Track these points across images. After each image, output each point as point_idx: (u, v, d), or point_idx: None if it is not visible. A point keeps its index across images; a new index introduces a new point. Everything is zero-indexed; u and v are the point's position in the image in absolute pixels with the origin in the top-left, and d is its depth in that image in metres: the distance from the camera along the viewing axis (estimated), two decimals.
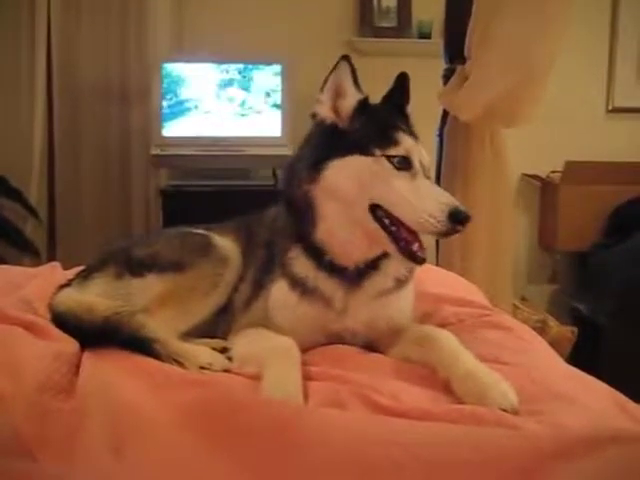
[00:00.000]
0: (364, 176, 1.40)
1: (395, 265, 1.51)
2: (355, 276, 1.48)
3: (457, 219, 1.33)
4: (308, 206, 1.45)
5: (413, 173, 1.41)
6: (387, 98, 1.56)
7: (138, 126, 3.98)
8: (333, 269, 1.47)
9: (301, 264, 1.49)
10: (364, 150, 1.41)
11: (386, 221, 1.39)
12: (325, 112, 1.49)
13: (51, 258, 3.67)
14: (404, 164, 1.41)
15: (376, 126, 1.46)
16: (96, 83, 4.00)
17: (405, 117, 1.55)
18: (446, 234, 1.36)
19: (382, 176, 1.39)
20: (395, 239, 1.39)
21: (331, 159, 1.41)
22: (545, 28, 2.61)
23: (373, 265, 1.49)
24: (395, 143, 1.42)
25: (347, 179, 1.40)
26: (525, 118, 2.90)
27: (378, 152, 1.40)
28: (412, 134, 1.48)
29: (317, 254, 1.47)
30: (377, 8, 4.14)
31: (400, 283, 1.54)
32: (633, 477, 0.78)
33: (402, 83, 1.58)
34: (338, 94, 1.49)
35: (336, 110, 1.48)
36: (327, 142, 1.46)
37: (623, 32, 4.36)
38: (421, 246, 1.39)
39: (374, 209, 1.40)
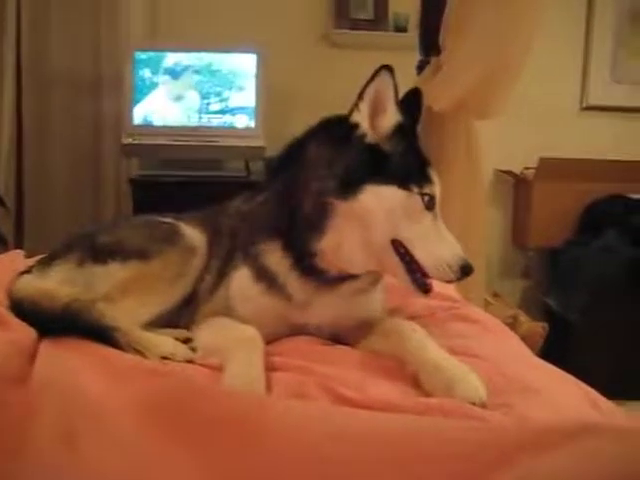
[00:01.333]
0: (397, 210, 1.36)
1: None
2: (331, 279, 1.45)
3: (465, 272, 1.36)
4: (321, 215, 1.38)
5: (435, 213, 1.40)
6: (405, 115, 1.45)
7: (109, 115, 3.92)
8: (312, 272, 1.43)
9: (274, 259, 1.45)
10: (403, 183, 1.36)
11: (402, 250, 1.38)
12: (366, 126, 1.39)
13: (19, 247, 3.59)
14: (431, 204, 1.39)
15: (414, 157, 1.43)
16: (67, 71, 3.93)
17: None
18: (451, 282, 1.40)
19: (413, 213, 1.37)
20: (411, 270, 1.38)
21: (368, 182, 1.35)
22: (519, 19, 2.62)
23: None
24: (430, 181, 1.40)
25: (379, 209, 1.35)
26: (497, 110, 2.91)
27: (415, 189, 1.37)
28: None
29: (299, 255, 1.42)
30: (353, 0, 4.11)
31: (373, 282, 1.52)
32: (603, 470, 0.76)
33: (416, 100, 1.56)
34: (377, 108, 1.40)
35: (374, 125, 1.40)
36: (365, 161, 1.37)
37: (598, 29, 4.38)
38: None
39: (394, 242, 1.37)
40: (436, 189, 1.41)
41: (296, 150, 1.48)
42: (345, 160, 1.38)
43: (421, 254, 1.36)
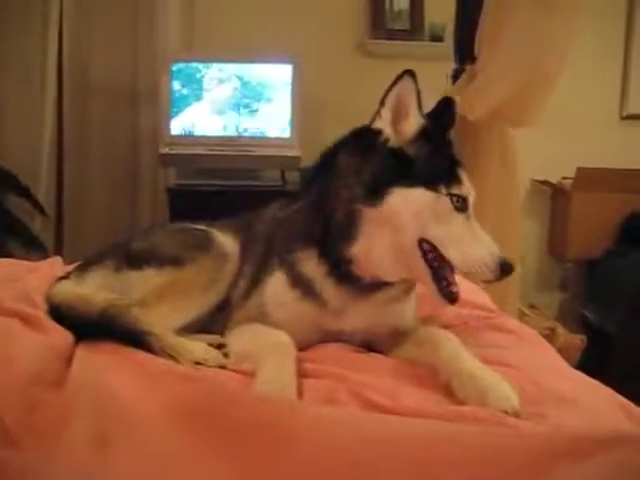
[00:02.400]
0: (425, 211, 1.35)
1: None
2: (366, 287, 1.44)
3: (505, 270, 1.34)
4: (352, 222, 1.38)
5: (468, 215, 1.39)
6: (434, 122, 1.46)
7: (147, 125, 3.98)
8: (348, 279, 1.43)
9: (311, 266, 1.45)
10: (430, 185, 1.36)
11: (430, 256, 1.36)
12: (389, 131, 1.40)
13: (58, 254, 3.65)
14: (462, 205, 1.38)
15: (442, 159, 1.42)
16: (106, 81, 4.00)
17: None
18: (490, 282, 1.37)
19: (441, 214, 1.36)
20: (437, 278, 1.37)
21: (394, 185, 1.35)
22: (555, 27, 2.59)
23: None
24: (459, 182, 1.39)
25: (407, 211, 1.35)
26: (533, 119, 2.88)
27: (444, 190, 1.36)
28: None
29: (335, 263, 1.42)
30: (389, 10, 4.12)
31: (407, 290, 1.51)
32: None
33: (449, 109, 1.53)
34: (400, 113, 1.40)
35: (397, 130, 1.41)
36: (390, 165, 1.38)
37: (638, 38, 4.33)
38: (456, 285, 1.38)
39: (421, 243, 1.36)
40: (467, 190, 1.40)
41: (328, 160, 1.49)
42: (371, 166, 1.39)
43: (454, 254, 1.35)
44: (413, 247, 1.36)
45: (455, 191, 1.37)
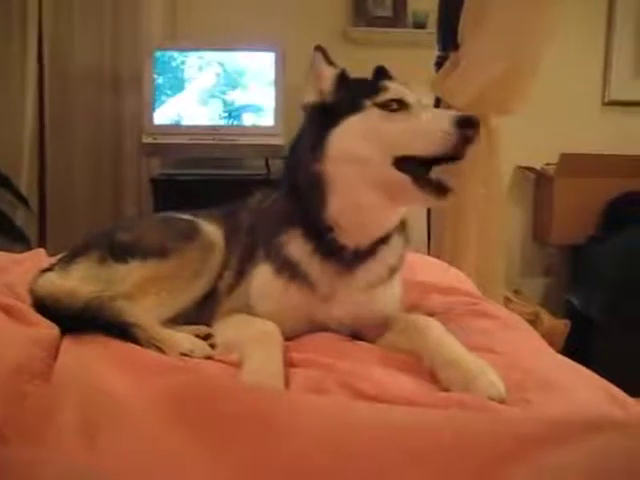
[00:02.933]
0: (366, 132, 1.37)
1: (391, 252, 1.49)
2: (351, 260, 1.45)
3: (465, 124, 1.28)
4: (318, 185, 1.41)
5: (411, 110, 1.39)
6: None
7: (130, 114, 3.95)
8: (331, 251, 1.44)
9: (296, 247, 1.46)
10: (355, 108, 1.40)
11: (403, 166, 1.35)
12: (311, 97, 1.48)
13: (41, 247, 3.62)
14: (400, 105, 1.39)
15: (361, 85, 1.47)
16: (88, 70, 3.96)
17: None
18: (462, 145, 1.29)
19: (381, 124, 1.37)
20: (420, 182, 1.34)
21: (331, 132, 1.39)
22: (537, 14, 2.60)
23: (372, 250, 1.46)
24: (382, 89, 1.41)
25: (350, 143, 1.38)
26: (515, 107, 2.88)
27: (368, 103, 1.39)
28: (395, 80, 1.46)
29: (318, 235, 1.44)
30: None
31: (390, 273, 1.51)
32: (619, 465, 0.76)
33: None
34: (317, 79, 1.49)
35: (321, 93, 1.48)
36: (321, 120, 1.44)
37: (620, 24, 4.34)
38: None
39: (399, 163, 1.36)
40: (399, 92, 1.40)
41: (294, 146, 1.55)
42: (310, 130, 1.47)
43: (414, 146, 1.34)
44: (388, 168, 1.36)
45: (381, 99, 1.39)
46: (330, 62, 1.51)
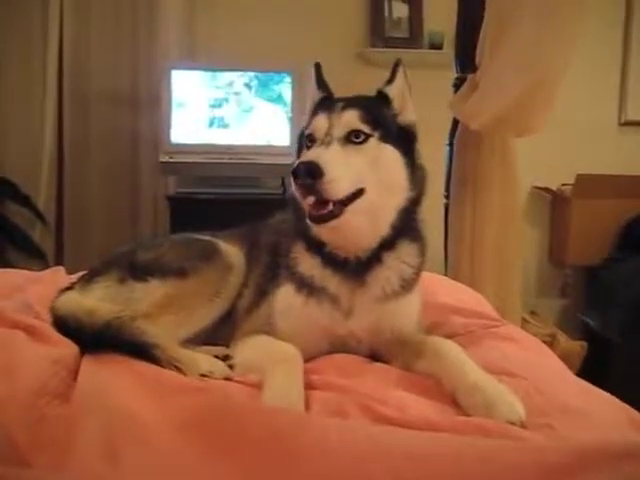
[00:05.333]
0: None
1: (401, 260, 1.49)
2: (358, 269, 1.46)
3: (295, 174, 1.30)
4: (295, 207, 1.47)
5: (318, 144, 1.41)
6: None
7: (147, 133, 3.97)
8: (336, 262, 1.45)
9: (306, 262, 1.49)
10: (303, 140, 1.48)
11: None
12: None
13: (58, 263, 3.63)
14: (310, 142, 1.44)
15: (311, 116, 1.51)
16: (106, 89, 4.00)
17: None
18: (302, 194, 1.32)
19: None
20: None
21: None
22: (558, 34, 2.58)
23: (376, 258, 1.47)
24: (309, 124, 1.47)
25: None
26: (535, 127, 2.87)
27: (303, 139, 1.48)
28: (335, 108, 1.45)
29: (318, 248, 1.46)
30: (388, 18, 4.13)
31: (406, 285, 1.50)
32: None
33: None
34: (308, 101, 1.57)
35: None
36: (298, 145, 1.55)
37: (636, 44, 4.33)
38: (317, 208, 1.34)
39: None
40: (315, 124, 1.45)
41: None
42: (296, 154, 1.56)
43: None
44: None
45: (307, 133, 1.47)
46: (321, 83, 1.56)
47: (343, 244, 1.45)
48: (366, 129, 1.40)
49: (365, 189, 1.38)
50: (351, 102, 1.47)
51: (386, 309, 1.49)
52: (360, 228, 1.42)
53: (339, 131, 1.40)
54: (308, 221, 1.36)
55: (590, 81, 4.14)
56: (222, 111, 3.74)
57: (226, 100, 3.74)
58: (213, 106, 3.73)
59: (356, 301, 1.47)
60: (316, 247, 1.47)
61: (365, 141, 1.40)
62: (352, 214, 1.37)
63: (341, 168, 1.32)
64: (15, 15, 3.92)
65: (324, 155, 1.32)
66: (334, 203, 1.33)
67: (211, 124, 3.74)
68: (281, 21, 4.02)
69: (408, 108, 1.52)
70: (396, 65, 1.55)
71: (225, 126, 3.74)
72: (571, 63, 2.72)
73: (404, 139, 1.48)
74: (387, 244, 1.46)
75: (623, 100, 4.40)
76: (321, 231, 1.42)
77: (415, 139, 1.52)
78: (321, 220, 1.34)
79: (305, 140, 1.46)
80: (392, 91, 1.52)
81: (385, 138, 1.42)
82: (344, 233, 1.42)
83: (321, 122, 1.43)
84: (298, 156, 1.50)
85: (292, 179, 1.31)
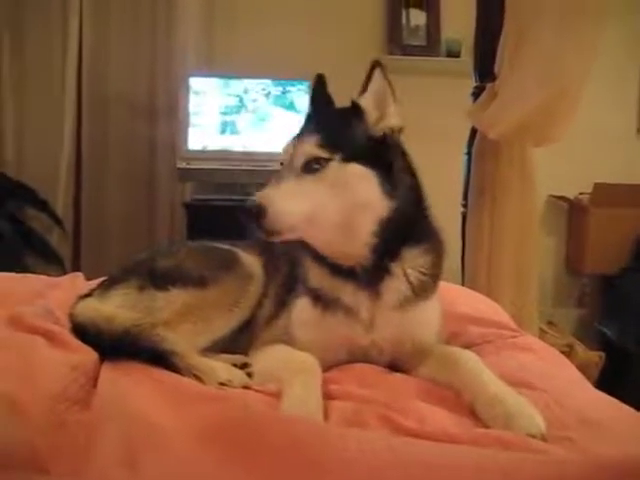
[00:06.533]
0: None
1: (407, 270, 1.47)
2: (371, 279, 1.44)
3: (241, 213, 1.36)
4: None
5: (279, 175, 1.42)
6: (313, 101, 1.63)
7: (164, 139, 4.00)
8: (343, 271, 1.45)
9: (315, 273, 1.48)
10: None
11: None
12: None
13: (75, 269, 3.68)
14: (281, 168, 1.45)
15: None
16: (124, 96, 4.03)
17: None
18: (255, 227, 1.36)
19: None
20: None
21: None
22: (578, 44, 2.57)
23: (385, 270, 1.45)
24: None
25: None
26: (555, 136, 2.86)
27: None
28: (301, 133, 1.47)
29: (322, 258, 1.46)
30: (406, 26, 4.13)
31: (421, 292, 1.49)
32: None
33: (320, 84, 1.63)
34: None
35: None
36: None
37: None
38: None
39: None
40: (286, 152, 1.46)
41: None
42: None
43: None
44: None
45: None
46: (317, 95, 1.61)
47: (332, 253, 1.45)
48: (324, 154, 1.39)
49: (324, 211, 1.38)
50: (315, 125, 1.48)
51: (405, 318, 1.47)
52: (339, 241, 1.42)
53: (297, 161, 1.41)
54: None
55: (608, 90, 4.12)
56: (239, 118, 3.76)
57: (243, 107, 3.75)
58: (230, 113, 3.75)
59: (376, 312, 1.46)
60: (319, 257, 1.47)
61: (324, 167, 1.38)
62: (316, 231, 1.40)
63: (287, 202, 1.35)
64: (34, 20, 3.96)
65: (269, 194, 1.36)
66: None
67: (227, 131, 3.76)
68: (299, 29, 4.03)
69: (389, 113, 1.47)
70: (372, 68, 1.49)
71: (241, 133, 3.76)
72: (590, 73, 2.71)
73: (379, 150, 1.44)
74: (388, 253, 1.44)
75: None
76: (308, 242, 1.44)
77: (397, 146, 1.48)
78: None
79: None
80: (365, 100, 1.47)
81: (349, 157, 1.39)
82: (322, 245, 1.44)
83: (286, 149, 1.46)
84: None
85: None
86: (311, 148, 1.40)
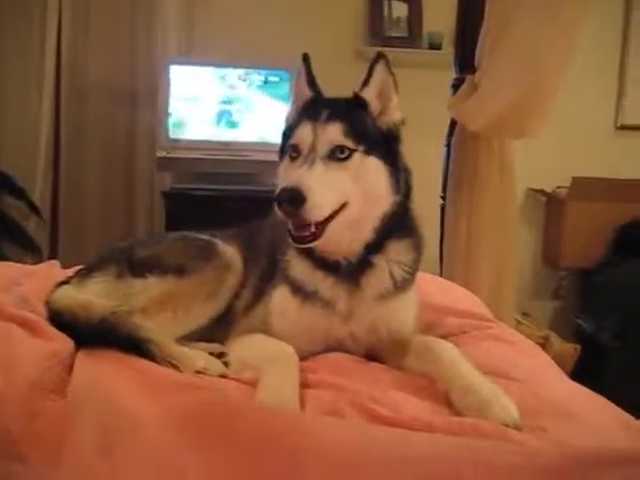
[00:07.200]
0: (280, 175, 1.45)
1: (390, 262, 1.48)
2: (351, 273, 1.45)
3: (278, 198, 1.27)
4: None
5: (302, 159, 1.37)
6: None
7: (144, 128, 3.97)
8: (327, 265, 1.45)
9: (298, 266, 1.48)
10: (287, 145, 1.45)
11: None
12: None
13: (53, 257, 3.64)
14: (295, 152, 1.41)
15: (294, 122, 1.47)
16: (104, 84, 3.99)
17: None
18: (284, 217, 1.29)
19: (283, 169, 1.44)
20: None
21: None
22: (557, 35, 2.57)
23: (368, 263, 1.46)
24: (292, 134, 1.43)
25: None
26: (533, 130, 2.87)
27: (286, 144, 1.45)
28: (320, 118, 1.40)
29: (308, 252, 1.45)
30: (388, 18, 4.13)
31: (401, 285, 1.50)
32: None
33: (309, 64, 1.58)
34: (295, 99, 1.55)
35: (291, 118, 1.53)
36: (282, 146, 1.50)
37: (633, 49, 4.35)
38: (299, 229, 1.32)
39: None
40: (299, 135, 1.41)
41: None
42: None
43: None
44: None
45: (289, 142, 1.43)
46: (311, 80, 1.53)
47: (328, 249, 1.44)
48: (350, 144, 1.36)
49: (348, 203, 1.36)
50: (335, 112, 1.41)
51: (383, 309, 1.48)
52: (342, 237, 1.40)
53: (323, 147, 1.36)
54: (290, 241, 1.34)
55: (587, 84, 4.15)
56: (219, 107, 3.74)
57: (224, 96, 3.73)
58: (210, 102, 3.73)
59: (354, 304, 1.46)
60: (306, 251, 1.45)
61: (349, 157, 1.36)
62: (333, 228, 1.35)
63: (324, 191, 1.30)
64: (14, 9, 3.91)
65: (307, 180, 1.29)
66: (316, 225, 1.31)
67: (208, 120, 3.73)
68: (280, 18, 4.03)
69: (391, 106, 1.46)
70: (375, 61, 1.47)
71: (222, 123, 3.74)
72: (569, 66, 2.73)
73: (387, 143, 1.44)
74: (374, 247, 1.45)
75: (620, 104, 4.42)
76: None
77: (398, 140, 1.47)
78: (302, 242, 1.33)
79: (290, 149, 1.42)
80: (369, 93, 1.46)
81: (369, 150, 1.38)
82: (326, 241, 1.38)
83: (306, 134, 1.39)
84: (280, 157, 1.49)
85: (275, 204, 1.28)
86: (338, 136, 1.37)
